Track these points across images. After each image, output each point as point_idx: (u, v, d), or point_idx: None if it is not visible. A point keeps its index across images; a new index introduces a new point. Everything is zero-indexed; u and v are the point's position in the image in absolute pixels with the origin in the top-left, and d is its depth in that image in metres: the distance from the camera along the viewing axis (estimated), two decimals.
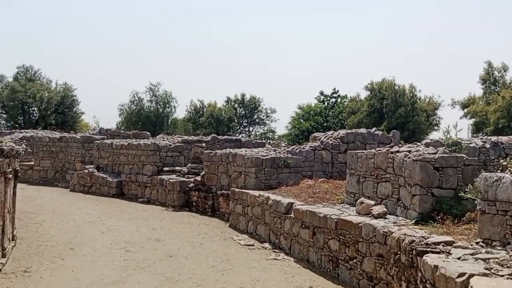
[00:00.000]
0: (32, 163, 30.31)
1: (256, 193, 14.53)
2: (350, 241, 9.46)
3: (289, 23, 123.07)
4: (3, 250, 10.56)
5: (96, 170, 25.23)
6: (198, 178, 19.29)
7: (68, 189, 26.11)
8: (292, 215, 11.95)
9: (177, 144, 22.83)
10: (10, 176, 11.24)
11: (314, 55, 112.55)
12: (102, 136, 28.53)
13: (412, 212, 9.10)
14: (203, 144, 21.03)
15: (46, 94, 62.10)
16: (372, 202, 9.99)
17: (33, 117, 63.24)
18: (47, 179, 29.64)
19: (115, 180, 23.59)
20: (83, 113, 67.73)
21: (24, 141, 33.18)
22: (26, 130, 37.76)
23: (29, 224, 15.45)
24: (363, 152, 11.00)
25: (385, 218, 9.40)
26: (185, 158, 23.34)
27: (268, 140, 53.38)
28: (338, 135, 17.86)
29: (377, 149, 10.64)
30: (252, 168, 15.54)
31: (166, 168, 22.01)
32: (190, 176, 20.46)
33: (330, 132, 18.64)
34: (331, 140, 17.65)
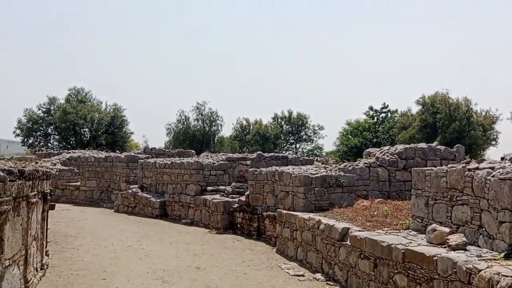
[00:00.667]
0: (79, 183, 29.87)
1: (306, 215, 12.96)
2: (422, 277, 7.73)
3: (336, 37, 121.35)
4: (26, 283, 9.45)
5: (139, 190, 24.32)
6: (243, 198, 17.90)
7: (113, 210, 25.34)
8: (348, 242, 10.31)
9: (221, 162, 21.59)
10: (34, 200, 10.17)
11: (363, 69, 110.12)
12: (147, 155, 27.73)
13: (500, 242, 7.31)
14: (248, 162, 19.67)
15: (97, 115, 62.89)
16: (447, 230, 8.24)
17: (85, 138, 64.07)
18: (93, 199, 29.07)
19: (158, 200, 22.55)
20: (132, 133, 68.32)
21: (72, 161, 33.00)
22: (73, 151, 37.70)
23: (66, 249, 14.46)
24: (431, 169, 9.27)
25: (465, 249, 7.63)
26: (230, 177, 22.05)
27: (316, 157, 51.58)
28: (395, 151, 16.07)
29: (450, 165, 8.88)
30: (301, 187, 14.00)
31: (209, 188, 20.77)
32: (234, 196, 19.11)
33: (386, 148, 16.86)
34: (388, 156, 15.87)
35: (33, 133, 64.68)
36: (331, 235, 11.06)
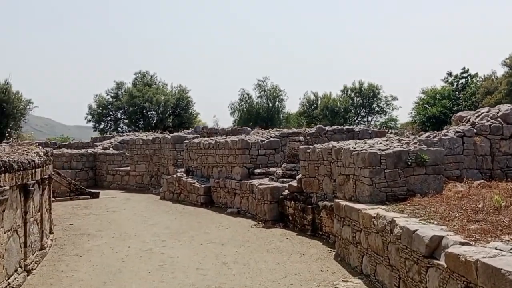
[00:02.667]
0: (129, 168, 27.13)
1: (373, 210, 8.73)
2: None
3: (408, 4, 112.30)
4: None
5: (184, 175, 20.95)
6: (294, 183, 13.85)
7: (159, 197, 22.25)
8: (443, 262, 6.02)
9: (271, 139, 17.57)
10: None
11: (437, 33, 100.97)
12: (195, 135, 24.30)
13: None
14: (301, 138, 15.53)
15: (162, 97, 60.95)
16: None
17: (152, 121, 62.52)
18: (142, 185, 26.22)
19: (202, 186, 19.02)
20: (198, 113, 65.95)
21: (124, 144, 30.42)
22: (127, 133, 35.26)
23: (67, 256, 11.20)
24: None
25: None
26: (284, 157, 18.00)
27: (389, 130, 46.11)
28: (498, 113, 11.24)
29: None
30: (365, 169, 9.73)
31: (258, 170, 16.88)
32: (285, 180, 15.10)
33: (485, 110, 11.97)
34: (488, 121, 11.11)
35: (103, 118, 64.09)
36: (413, 246, 6.79)
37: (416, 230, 6.78)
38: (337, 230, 10.40)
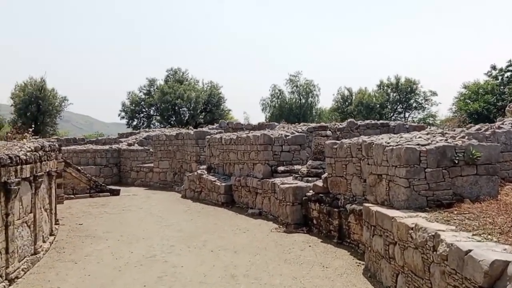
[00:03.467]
0: (152, 165, 25.98)
1: (410, 219, 7.00)
2: None
3: None
4: None
5: (205, 172, 19.54)
6: (319, 182, 12.16)
7: (181, 195, 20.94)
8: None
9: (296, 134, 15.88)
10: None
11: (480, 26, 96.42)
12: (219, 131, 22.87)
13: None
14: (328, 132, 13.77)
15: (193, 94, 60.06)
16: None
17: (184, 117, 61.75)
18: (166, 182, 25.02)
19: (223, 184, 17.54)
20: (230, 110, 64.78)
21: (149, 140, 29.36)
22: (153, 129, 34.19)
23: (62, 261, 9.90)
24: None
25: None
26: (311, 153, 16.29)
27: (428, 126, 43.46)
28: None
29: None
30: (401, 168, 7.99)
31: (281, 168, 15.25)
32: (310, 178, 13.41)
33: None
34: None
35: (136, 115, 63.75)
36: (465, 271, 5.05)
37: (470, 250, 5.03)
38: (367, 240, 8.68)
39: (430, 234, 6.08)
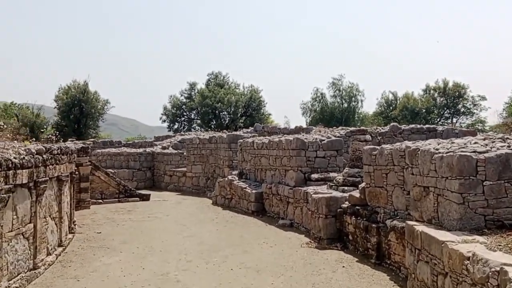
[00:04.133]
0: (185, 169, 25.09)
1: (465, 246, 5.53)
2: None
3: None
4: None
5: (236, 178, 18.38)
6: (356, 193, 10.72)
7: (211, 202, 19.86)
8: None
9: (332, 139, 14.45)
10: None
11: None
12: (253, 134, 21.69)
13: None
14: (367, 137, 12.27)
15: (233, 98, 59.39)
16: None
17: (224, 121, 61.14)
18: (198, 187, 24.05)
19: (254, 192, 16.31)
20: (270, 114, 63.67)
21: (183, 144, 28.57)
22: (189, 132, 33.47)
23: (64, 277, 8.93)
24: None
25: None
26: (349, 159, 14.83)
27: (478, 133, 40.69)
28: None
29: None
30: (453, 180, 6.52)
31: (315, 175, 13.85)
32: (346, 188, 11.98)
33: None
34: None
35: (177, 118, 63.65)
36: None
37: None
38: (410, 265, 7.22)
39: (493, 269, 4.62)
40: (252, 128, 25.41)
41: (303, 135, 15.55)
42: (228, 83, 63.88)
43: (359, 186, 10.82)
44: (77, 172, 17.93)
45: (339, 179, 12.47)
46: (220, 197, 18.97)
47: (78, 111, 54.12)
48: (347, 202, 11.05)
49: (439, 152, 7.11)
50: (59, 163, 10.15)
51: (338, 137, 15.25)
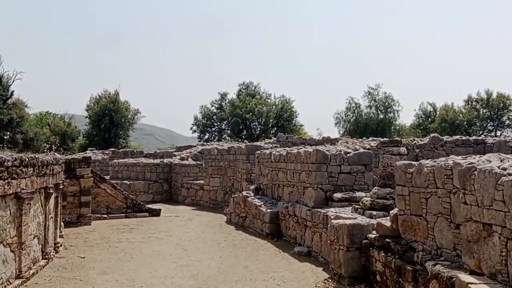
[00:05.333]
0: (203, 182, 23.03)
1: None
2: None
3: None
4: None
5: (251, 194, 16.14)
6: (386, 221, 8.28)
7: (225, 220, 17.66)
8: None
9: (359, 151, 12.00)
10: None
11: None
12: (274, 145, 19.41)
13: None
14: (401, 150, 9.77)
15: (264, 108, 57.45)
16: None
17: (255, 132, 59.19)
18: (216, 202, 21.92)
19: (268, 211, 14.00)
20: (301, 125, 61.34)
21: (203, 155, 26.55)
22: (211, 143, 31.46)
23: None
24: None
25: None
26: (379, 177, 12.34)
27: None
28: None
29: None
30: None
31: (338, 195, 11.42)
32: (375, 213, 9.53)
33: None
34: None
35: (208, 129, 62.10)
36: None
37: None
38: None
39: None
40: (275, 139, 23.13)
41: (325, 147, 13.16)
42: (259, 93, 61.93)
43: (391, 212, 8.36)
44: (77, 185, 16.14)
45: (367, 201, 10.01)
46: (235, 214, 16.75)
47: (108, 121, 53.29)
48: (374, 232, 8.61)
49: (508, 173, 4.68)
50: (17, 178, 8.18)
51: (367, 149, 12.79)
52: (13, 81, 47.50)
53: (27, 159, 8.45)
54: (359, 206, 10.30)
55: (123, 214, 18.10)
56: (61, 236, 12.54)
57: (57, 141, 51.37)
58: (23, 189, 8.37)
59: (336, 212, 10.37)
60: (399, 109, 51.17)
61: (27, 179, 8.52)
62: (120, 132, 55.59)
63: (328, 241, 9.70)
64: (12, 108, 46.93)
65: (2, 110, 45.38)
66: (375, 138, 16.15)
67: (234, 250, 12.16)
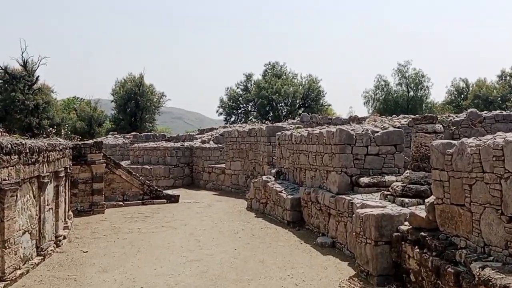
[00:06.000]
0: (224, 165, 22.03)
1: None
2: None
3: None
4: None
5: (272, 178, 15.00)
6: (421, 211, 7.01)
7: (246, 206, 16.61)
8: None
9: (389, 130, 10.65)
10: None
11: None
12: (297, 126, 18.14)
13: None
14: (437, 127, 8.39)
15: (291, 89, 55.91)
16: None
17: (281, 113, 57.80)
18: (238, 186, 20.91)
19: (289, 197, 12.83)
20: (329, 105, 59.55)
21: (225, 137, 25.51)
22: (233, 125, 30.35)
23: None
24: None
25: None
26: (411, 159, 10.97)
27: None
28: None
29: None
30: None
31: (364, 180, 10.15)
32: (407, 200, 8.24)
33: None
34: None
35: (234, 111, 61.01)
36: None
37: None
38: None
39: None
40: (298, 119, 21.81)
41: (350, 126, 11.83)
42: (285, 73, 60.31)
43: (426, 200, 7.07)
44: (88, 172, 15.34)
45: (397, 186, 8.72)
46: (255, 200, 15.68)
47: (134, 104, 52.87)
48: (407, 223, 7.35)
49: None
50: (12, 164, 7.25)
51: (397, 127, 11.42)
52: (38, 66, 47.58)
53: (9, 146, 7.51)
54: (388, 193, 9.02)
55: (140, 201, 17.28)
56: (66, 228, 11.73)
57: (84, 126, 51.24)
58: (4, 180, 7.44)
59: (362, 200, 9.13)
60: (429, 85, 48.82)
61: (9, 168, 7.59)
62: (146, 116, 55.12)
63: (354, 233, 8.48)
64: (38, 94, 47.02)
65: (28, 96, 45.52)
66: (406, 116, 14.68)
67: (251, 241, 11.09)
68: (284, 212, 12.96)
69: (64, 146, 11.38)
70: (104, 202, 15.56)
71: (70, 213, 13.50)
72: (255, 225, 13.14)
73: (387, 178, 10.02)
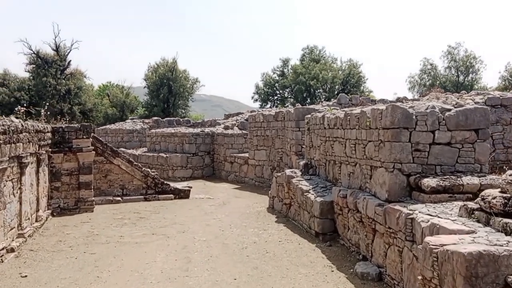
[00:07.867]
0: (247, 155, 18.64)
1: None
2: None
3: None
4: None
5: (298, 173, 11.47)
6: None
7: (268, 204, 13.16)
8: None
9: (466, 107, 6.91)
10: None
11: None
12: (332, 108, 14.44)
13: None
14: None
15: (329, 74, 51.80)
16: None
17: (320, 100, 53.78)
18: (262, 179, 17.50)
19: (318, 200, 9.26)
20: (371, 91, 55.11)
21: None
22: (262, 109, 26.81)
23: None
24: None
25: None
26: (495, 149, 7.20)
27: None
28: None
29: None
30: None
31: (429, 181, 6.45)
32: None
33: None
34: None
35: (270, 97, 57.47)
36: None
37: None
38: None
39: None
40: (335, 101, 18.05)
41: (407, 103, 8.11)
42: (324, 57, 56.10)
43: None
44: (74, 161, 12.32)
45: (495, 197, 5.02)
46: (278, 200, 12.22)
47: (167, 90, 50.21)
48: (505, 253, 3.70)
49: None
50: None
51: (478, 105, 7.60)
52: (70, 51, 45.58)
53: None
54: (475, 206, 5.33)
55: (142, 196, 14.18)
56: (20, 236, 8.67)
57: (116, 112, 49.00)
58: None
59: (430, 215, 5.50)
60: (482, 67, 43.46)
61: None
62: (179, 102, 52.41)
63: (420, 277, 4.87)
64: (70, 79, 45.08)
65: (60, 81, 43.62)
66: (480, 92, 10.75)
67: (261, 265, 7.65)
68: (312, 219, 9.43)
69: (46, 129, 8.28)
70: (93, 198, 12.50)
71: (41, 213, 10.49)
72: (273, 235, 9.70)
73: (466, 180, 6.32)
